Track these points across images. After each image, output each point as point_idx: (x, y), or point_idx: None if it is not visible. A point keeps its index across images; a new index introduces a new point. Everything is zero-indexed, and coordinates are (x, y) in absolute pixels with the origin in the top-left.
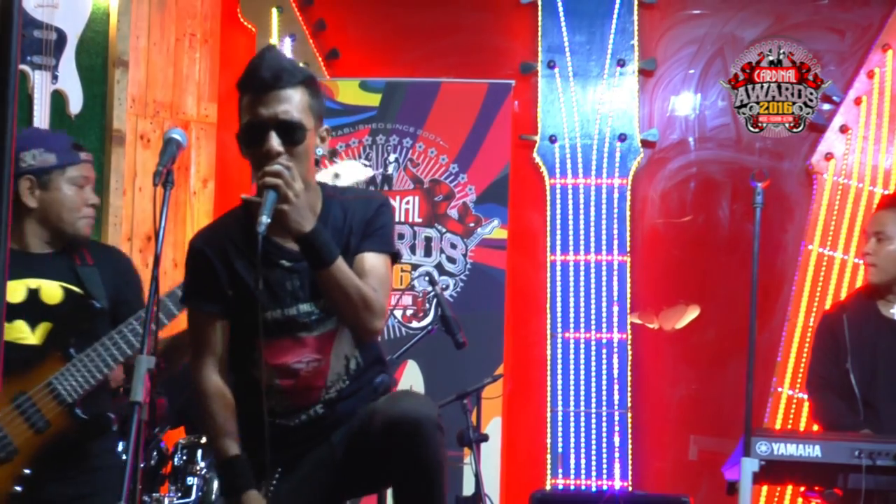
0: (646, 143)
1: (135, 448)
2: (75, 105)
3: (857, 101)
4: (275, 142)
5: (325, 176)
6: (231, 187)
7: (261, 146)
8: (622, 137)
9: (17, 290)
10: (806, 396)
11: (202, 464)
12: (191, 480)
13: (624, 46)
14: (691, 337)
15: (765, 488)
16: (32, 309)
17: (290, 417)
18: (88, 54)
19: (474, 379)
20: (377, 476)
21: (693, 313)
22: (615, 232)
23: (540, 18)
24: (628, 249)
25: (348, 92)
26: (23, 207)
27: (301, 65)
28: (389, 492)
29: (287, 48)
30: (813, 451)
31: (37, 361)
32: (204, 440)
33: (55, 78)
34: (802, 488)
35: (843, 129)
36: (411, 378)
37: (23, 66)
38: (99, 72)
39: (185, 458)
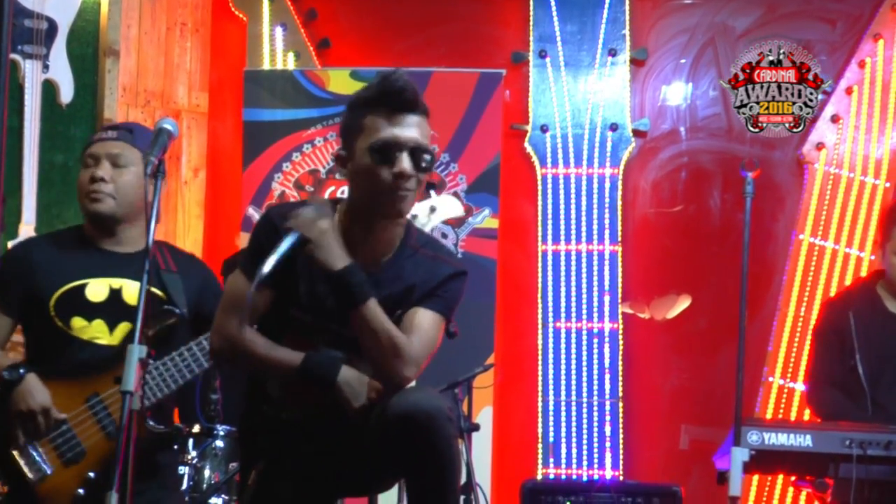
0: (637, 133)
1: (125, 436)
2: (66, 94)
3: (849, 91)
4: (408, 164)
5: (421, 208)
6: (222, 177)
7: (391, 164)
8: (613, 127)
9: (99, 289)
10: (801, 388)
11: (193, 453)
12: (182, 470)
13: (615, 36)
14: (682, 326)
15: (755, 478)
16: (113, 308)
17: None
18: (79, 43)
19: (465, 368)
20: (380, 474)
21: (684, 303)
22: (606, 221)
23: (531, 8)
24: (619, 239)
25: (339, 81)
26: None
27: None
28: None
29: (278, 37)
30: (804, 441)
31: (114, 363)
32: (196, 429)
33: (46, 67)
34: (793, 478)
35: (835, 119)
36: None
37: (13, 56)
38: (90, 61)
39: (176, 447)
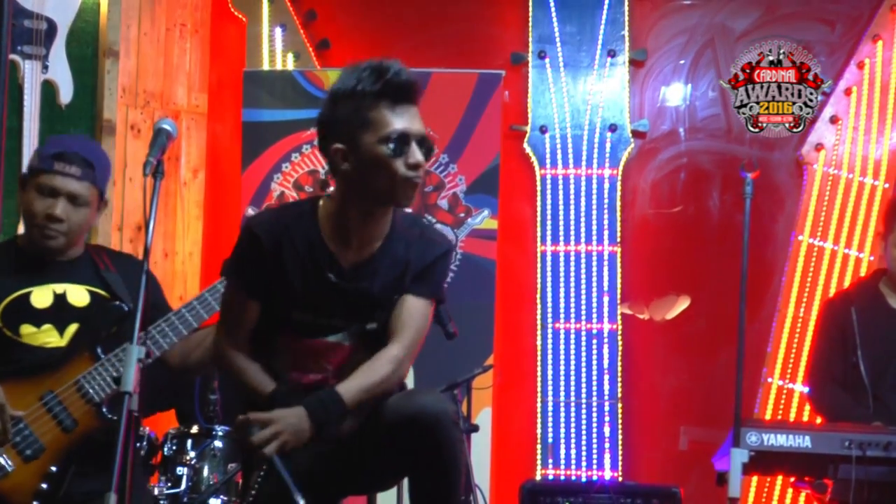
0: (636, 134)
1: (125, 438)
2: (65, 95)
3: (848, 92)
4: (420, 155)
5: None
6: (221, 178)
7: (406, 157)
8: (612, 128)
9: (43, 295)
10: (802, 388)
11: (192, 454)
12: (180, 470)
13: (614, 37)
14: (681, 327)
15: (755, 479)
16: (60, 312)
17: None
18: (79, 44)
19: (465, 369)
20: (383, 474)
21: (683, 304)
22: (605, 222)
23: (530, 9)
24: (619, 240)
25: None
26: None
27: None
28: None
29: (277, 38)
30: (803, 442)
31: (65, 361)
32: (195, 430)
33: (45, 68)
34: (792, 479)
35: (834, 120)
36: None
37: (13, 56)
38: (89, 62)
39: (174, 448)
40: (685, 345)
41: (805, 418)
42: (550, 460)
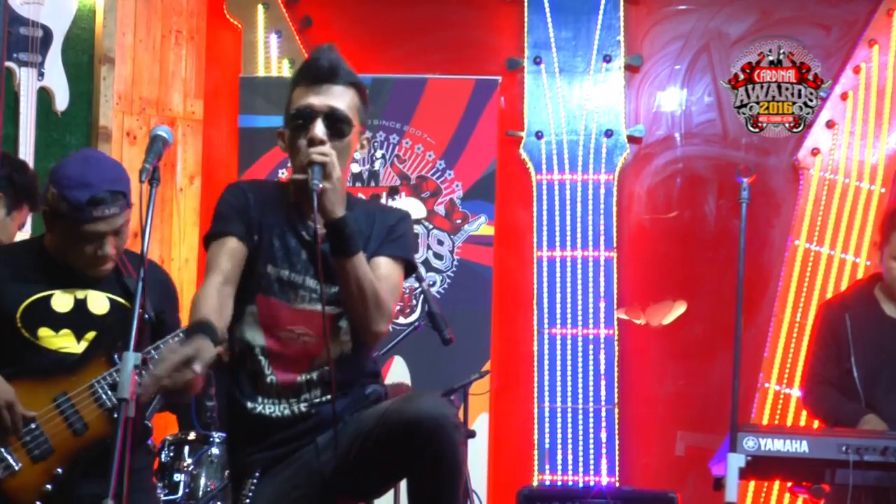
0: (632, 139)
1: (122, 444)
2: (62, 102)
3: (844, 97)
4: (320, 129)
5: None
6: (217, 184)
7: (305, 132)
8: (608, 133)
9: (64, 300)
10: (798, 393)
11: (189, 460)
12: (178, 477)
13: (610, 42)
14: (678, 333)
15: (752, 484)
16: (79, 318)
17: (274, 407)
18: (75, 51)
19: (461, 375)
20: (380, 479)
21: (680, 309)
22: (602, 228)
23: (526, 14)
24: (615, 245)
25: None
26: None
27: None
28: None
29: (273, 45)
30: (800, 447)
31: (81, 365)
32: (192, 436)
33: (41, 75)
34: (789, 484)
35: (830, 125)
36: (398, 374)
37: (9, 63)
38: (85, 69)
39: (172, 454)
40: (682, 350)
41: (802, 423)
42: (547, 466)
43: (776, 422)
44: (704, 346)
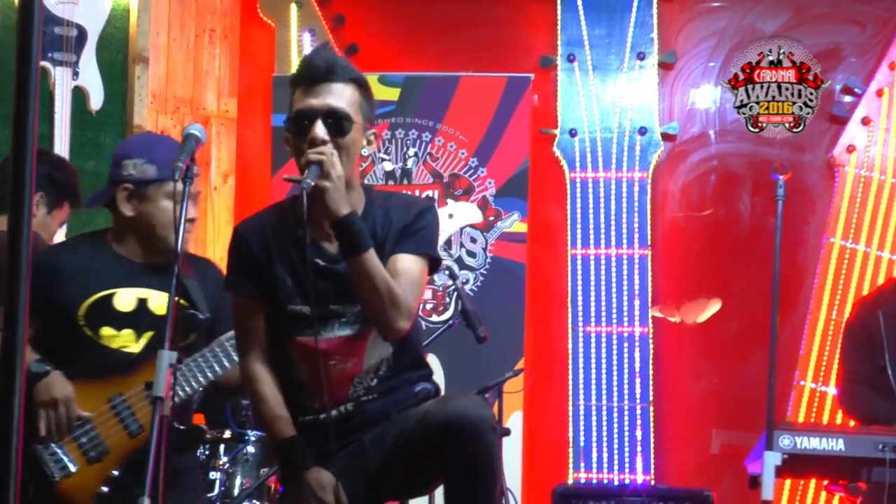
0: (666, 137)
1: (157, 443)
2: (96, 101)
3: (879, 93)
4: (320, 130)
5: (441, 216)
6: (251, 183)
7: (306, 134)
8: (642, 131)
9: (127, 299)
10: (833, 391)
11: (224, 459)
12: (213, 475)
13: (643, 39)
14: (713, 330)
15: (787, 482)
16: (140, 318)
17: (320, 412)
18: (109, 51)
19: (495, 373)
20: (420, 479)
21: (714, 307)
22: (636, 225)
23: (559, 12)
24: (649, 243)
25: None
26: (121, 216)
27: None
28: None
29: (306, 43)
30: (836, 445)
31: (137, 366)
32: (227, 435)
33: (76, 74)
34: (826, 482)
35: (865, 121)
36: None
37: (44, 63)
38: (119, 68)
39: (207, 453)
40: (717, 348)
41: (838, 421)
42: (582, 464)
43: (812, 420)
44: (739, 343)
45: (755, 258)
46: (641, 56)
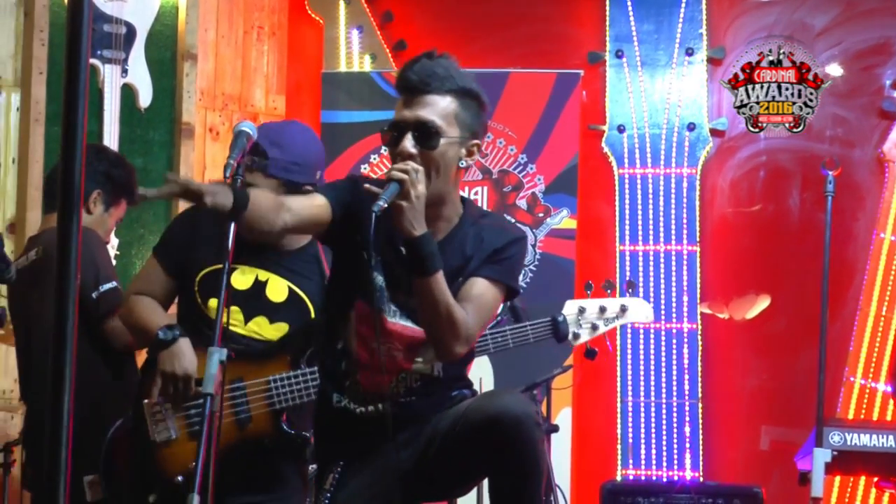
0: (715, 132)
1: (206, 439)
2: (145, 98)
3: None
4: (409, 143)
5: (612, 304)
6: None
7: (397, 146)
8: (691, 127)
9: (246, 278)
10: (885, 387)
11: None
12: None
13: (692, 35)
14: (762, 327)
15: (837, 479)
16: (253, 300)
17: (357, 405)
18: (157, 48)
19: (544, 369)
20: (459, 478)
21: (763, 303)
22: (685, 221)
23: (607, 8)
24: (698, 239)
25: None
26: None
27: (462, 73)
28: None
29: (354, 40)
30: (886, 442)
31: (266, 357)
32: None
33: (125, 72)
34: (876, 478)
35: None
36: (481, 369)
37: (93, 61)
38: (168, 65)
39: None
40: (766, 344)
41: (888, 418)
42: (631, 460)
43: (861, 417)
44: (788, 340)
45: (804, 254)
46: (690, 51)
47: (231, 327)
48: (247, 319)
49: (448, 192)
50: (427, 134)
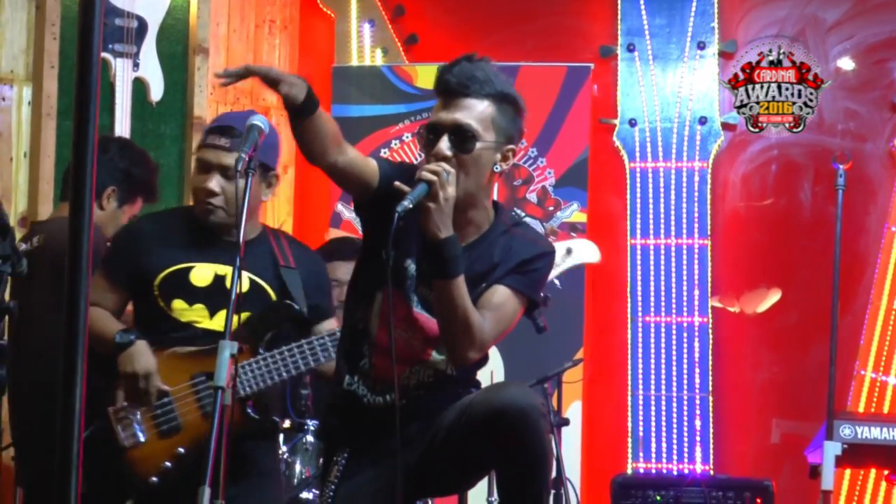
0: (726, 126)
1: (218, 432)
2: (156, 93)
3: None
4: (444, 145)
5: (559, 249)
6: (311, 173)
7: (433, 147)
8: (702, 120)
9: (204, 274)
10: (893, 382)
11: (284, 448)
12: None
13: (704, 29)
14: (773, 320)
15: (848, 472)
16: (216, 295)
17: (366, 391)
18: (169, 42)
19: (555, 363)
20: (465, 471)
21: (774, 297)
22: (696, 215)
23: (619, 1)
24: (709, 233)
25: (427, 77)
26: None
27: (501, 78)
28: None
29: (366, 34)
30: None
31: None
32: (287, 424)
33: (136, 66)
34: (886, 472)
35: None
36: (492, 363)
37: (104, 54)
38: (179, 59)
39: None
40: (777, 338)
41: None
42: (641, 454)
43: (872, 410)
44: (799, 333)
45: (815, 248)
46: (702, 45)
47: (196, 324)
48: (212, 314)
49: (480, 196)
50: (463, 137)
